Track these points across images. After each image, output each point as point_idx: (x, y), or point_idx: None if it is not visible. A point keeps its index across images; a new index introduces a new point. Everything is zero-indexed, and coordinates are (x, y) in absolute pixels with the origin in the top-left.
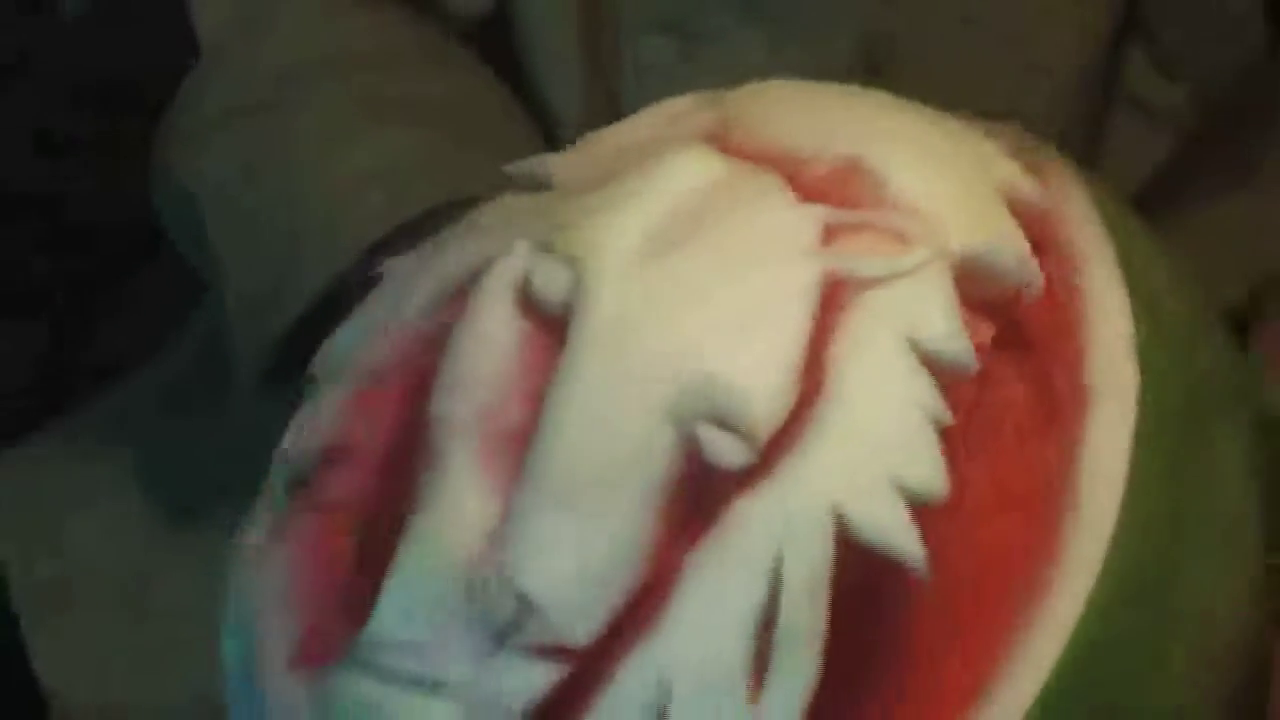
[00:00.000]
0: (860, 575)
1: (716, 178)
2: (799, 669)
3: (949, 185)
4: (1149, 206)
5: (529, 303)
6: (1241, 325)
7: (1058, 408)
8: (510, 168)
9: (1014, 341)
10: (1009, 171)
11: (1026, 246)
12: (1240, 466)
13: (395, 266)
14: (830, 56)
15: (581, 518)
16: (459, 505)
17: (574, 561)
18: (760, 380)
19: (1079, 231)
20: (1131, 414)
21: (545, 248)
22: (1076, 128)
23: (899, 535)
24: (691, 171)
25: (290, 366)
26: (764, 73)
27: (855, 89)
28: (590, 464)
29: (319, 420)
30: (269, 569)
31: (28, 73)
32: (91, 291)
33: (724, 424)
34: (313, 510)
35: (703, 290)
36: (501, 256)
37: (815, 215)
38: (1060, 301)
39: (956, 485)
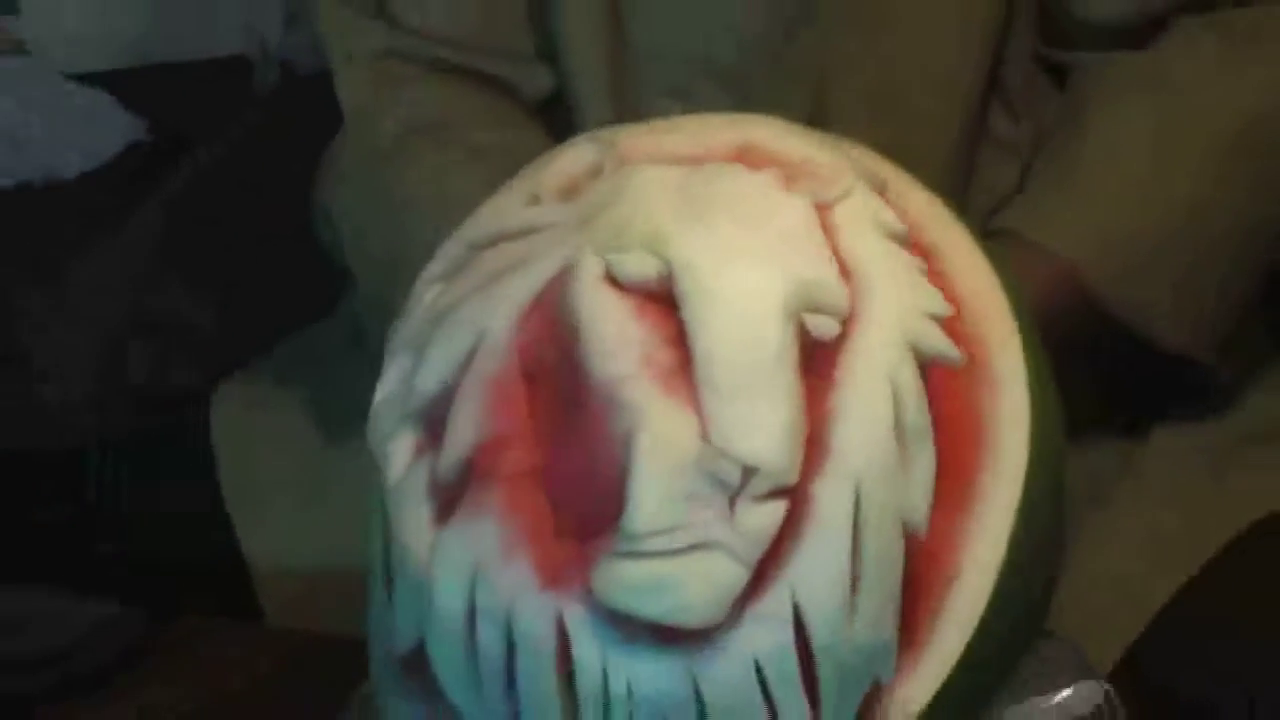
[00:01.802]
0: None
1: (677, 175)
2: (926, 453)
3: (818, 145)
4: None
5: (624, 286)
6: None
7: None
8: (470, 231)
9: None
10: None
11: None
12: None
13: (402, 332)
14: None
15: (760, 401)
16: (667, 421)
17: (769, 430)
18: (826, 274)
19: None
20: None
21: (617, 249)
22: (959, 165)
23: (944, 345)
24: (658, 178)
25: None
26: None
27: (697, 114)
28: (747, 364)
29: (457, 429)
30: (471, 535)
31: (233, 125)
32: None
33: (818, 310)
34: (499, 482)
35: (746, 236)
36: (576, 265)
37: (772, 174)
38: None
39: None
